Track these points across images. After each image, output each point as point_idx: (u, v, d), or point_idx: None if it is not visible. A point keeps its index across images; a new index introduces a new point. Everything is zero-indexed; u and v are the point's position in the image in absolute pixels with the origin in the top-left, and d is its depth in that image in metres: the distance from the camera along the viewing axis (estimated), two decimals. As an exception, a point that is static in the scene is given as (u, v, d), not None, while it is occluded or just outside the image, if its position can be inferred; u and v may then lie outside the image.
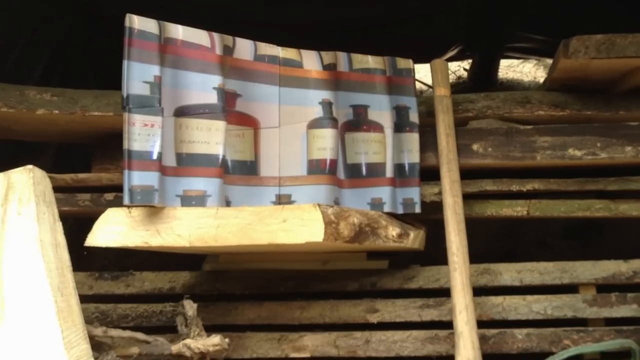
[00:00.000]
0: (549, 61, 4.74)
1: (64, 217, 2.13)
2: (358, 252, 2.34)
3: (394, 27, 4.17)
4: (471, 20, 4.47)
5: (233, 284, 2.33)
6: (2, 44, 2.76)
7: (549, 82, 2.46)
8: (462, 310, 2.03)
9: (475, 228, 2.36)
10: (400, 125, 2.23)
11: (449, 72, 4.02)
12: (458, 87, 5.39)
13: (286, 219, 1.81)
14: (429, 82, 5.34)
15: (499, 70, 5.24)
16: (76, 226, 2.34)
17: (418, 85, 5.46)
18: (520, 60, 5.34)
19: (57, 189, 2.26)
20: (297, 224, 1.80)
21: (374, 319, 2.21)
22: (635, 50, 2.15)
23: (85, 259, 2.78)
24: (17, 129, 2.48)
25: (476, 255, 2.39)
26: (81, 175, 2.36)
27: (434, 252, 2.36)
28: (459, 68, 5.40)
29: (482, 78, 5.12)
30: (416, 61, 5.07)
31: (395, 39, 4.40)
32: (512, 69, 5.35)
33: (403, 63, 2.25)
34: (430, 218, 2.27)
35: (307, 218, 1.79)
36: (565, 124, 2.38)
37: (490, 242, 2.72)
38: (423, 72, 5.44)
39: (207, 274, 2.37)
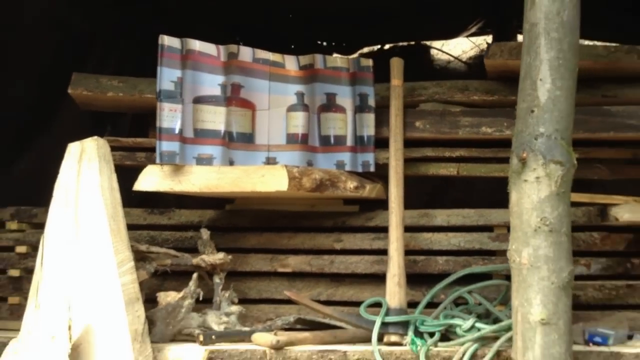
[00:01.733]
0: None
1: (127, 169, 3.03)
2: (336, 199, 3.16)
3: (421, 9, 4.86)
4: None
5: (243, 220, 3.20)
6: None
7: (487, 73, 3.21)
8: (394, 242, 2.85)
9: (421, 184, 3.17)
10: (362, 107, 3.05)
11: (474, 45, 4.71)
12: (480, 59, 6.06)
13: (264, 175, 2.67)
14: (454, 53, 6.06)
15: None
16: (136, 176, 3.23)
17: (445, 57, 6.18)
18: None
19: (122, 149, 3.17)
20: (270, 178, 2.66)
21: (339, 246, 3.07)
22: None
23: (149, 200, 3.67)
24: (95, 105, 3.37)
25: (422, 202, 3.20)
26: (138, 140, 3.24)
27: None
28: (483, 42, 6.07)
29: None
30: (440, 38, 5.76)
31: (422, 19, 5.14)
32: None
33: (364, 62, 3.07)
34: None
35: (277, 174, 2.65)
36: (495, 108, 3.13)
37: (433, 194, 3.50)
38: (452, 45, 6.15)
39: (226, 212, 3.24)
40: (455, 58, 5.92)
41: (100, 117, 3.73)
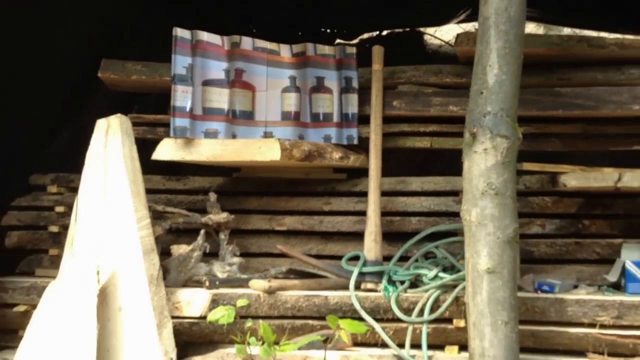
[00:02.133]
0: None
1: (149, 142, 3.43)
2: (327, 168, 3.56)
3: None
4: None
5: (247, 185, 3.61)
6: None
7: (458, 58, 3.58)
8: (372, 204, 3.26)
9: (414, 156, 3.58)
10: (347, 88, 3.43)
11: (463, 31, 5.07)
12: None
13: (260, 147, 3.08)
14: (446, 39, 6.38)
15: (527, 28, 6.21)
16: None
17: (437, 41, 6.52)
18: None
19: (145, 124, 3.58)
20: (266, 150, 3.06)
21: (327, 208, 3.48)
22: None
23: (168, 168, 4.07)
24: (122, 86, 3.78)
25: (400, 172, 3.59)
26: (158, 116, 3.63)
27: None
28: (472, 28, 6.39)
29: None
30: (433, 24, 6.09)
31: (415, 8, 5.49)
32: (528, 26, 6.26)
33: (349, 50, 3.45)
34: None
35: (271, 146, 3.05)
36: (464, 89, 3.50)
37: (411, 166, 3.88)
38: (444, 31, 6.50)
39: (232, 179, 3.65)
40: (446, 43, 6.26)
41: (129, 97, 4.15)
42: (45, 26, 3.82)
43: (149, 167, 3.36)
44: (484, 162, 2.69)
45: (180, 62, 3.09)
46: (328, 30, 5.95)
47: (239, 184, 3.62)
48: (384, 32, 6.19)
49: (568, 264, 3.32)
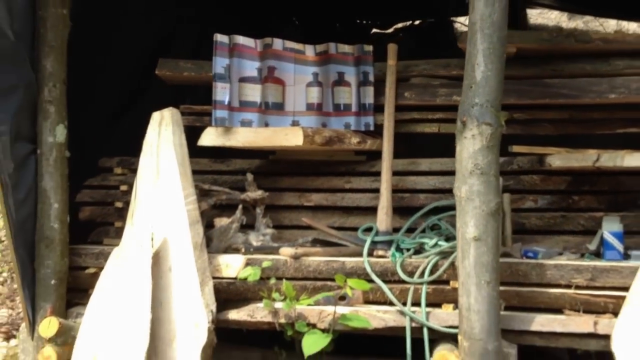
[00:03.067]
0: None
1: (198, 129, 3.90)
2: (349, 152, 3.98)
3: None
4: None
5: (280, 167, 4.06)
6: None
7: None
8: (384, 182, 3.68)
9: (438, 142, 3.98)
10: (364, 82, 3.85)
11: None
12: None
13: (287, 134, 3.53)
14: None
15: (533, 15, 6.53)
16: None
17: (462, 27, 6.83)
18: (549, 9, 6.59)
19: (194, 114, 4.05)
20: (291, 136, 3.52)
21: (348, 186, 3.91)
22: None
23: (215, 153, 4.55)
24: (175, 81, 4.23)
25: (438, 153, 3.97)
26: (205, 107, 4.10)
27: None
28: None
29: (512, 23, 6.45)
30: (462, 14, 6.43)
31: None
32: (542, 15, 6.58)
33: (366, 48, 3.87)
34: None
35: (296, 134, 3.50)
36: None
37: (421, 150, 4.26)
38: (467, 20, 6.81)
39: (269, 161, 4.11)
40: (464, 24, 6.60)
41: (183, 90, 4.64)
42: (112, 27, 4.34)
43: (199, 151, 3.86)
44: (472, 146, 3.10)
45: (220, 63, 3.57)
46: (364, 22, 6.37)
47: (274, 166, 4.07)
48: (417, 22, 6.60)
49: (556, 234, 3.69)
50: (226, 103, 3.57)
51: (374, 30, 6.50)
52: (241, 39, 3.63)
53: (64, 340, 3.36)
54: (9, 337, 4.32)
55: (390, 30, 6.58)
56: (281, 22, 5.24)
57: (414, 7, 6.18)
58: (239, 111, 3.62)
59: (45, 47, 3.46)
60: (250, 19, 5.22)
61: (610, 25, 6.16)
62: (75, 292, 3.71)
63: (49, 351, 3.34)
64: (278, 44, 3.72)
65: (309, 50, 3.77)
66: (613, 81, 3.58)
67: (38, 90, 3.47)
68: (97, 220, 4.11)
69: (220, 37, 3.57)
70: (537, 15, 6.60)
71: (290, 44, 3.74)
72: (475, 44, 3.09)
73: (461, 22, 6.70)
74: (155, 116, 3.49)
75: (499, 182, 3.11)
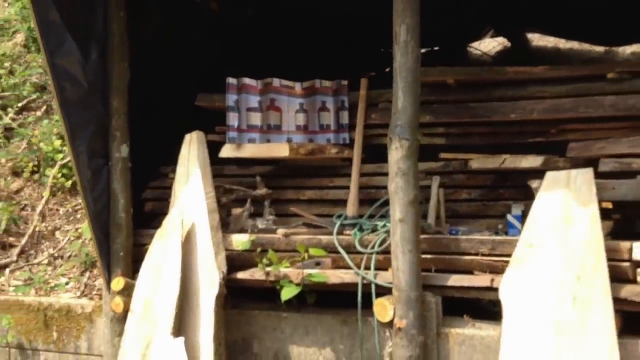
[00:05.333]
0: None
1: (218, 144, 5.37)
2: (335, 159, 5.34)
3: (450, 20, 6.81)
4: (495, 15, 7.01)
5: (285, 171, 5.43)
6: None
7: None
8: (353, 181, 5.03)
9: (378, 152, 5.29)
10: (341, 107, 5.21)
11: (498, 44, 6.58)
12: (505, 53, 7.90)
13: (278, 148, 4.95)
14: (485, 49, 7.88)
15: (535, 38, 7.65)
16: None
17: (478, 52, 8.00)
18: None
19: (216, 132, 5.51)
20: (282, 149, 4.93)
21: (332, 184, 5.27)
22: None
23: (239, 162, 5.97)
24: (211, 109, 5.72)
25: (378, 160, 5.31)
26: (223, 127, 5.54)
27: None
28: (504, 41, 7.86)
29: (517, 46, 7.65)
30: (473, 40, 7.68)
31: (452, 28, 7.10)
32: (542, 38, 7.65)
33: (343, 82, 5.21)
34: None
35: (284, 147, 4.92)
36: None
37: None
38: (487, 43, 8.03)
39: (277, 167, 5.49)
40: (484, 53, 7.81)
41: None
42: (166, 69, 5.84)
43: (231, 160, 5.34)
44: (396, 155, 4.37)
45: (231, 99, 5.03)
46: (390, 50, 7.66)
47: (281, 170, 5.45)
48: (436, 48, 7.87)
49: (481, 218, 4.90)
50: (236, 127, 5.03)
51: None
52: (247, 80, 5.08)
53: (128, 293, 4.90)
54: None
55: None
56: (304, 54, 6.66)
57: (434, 35, 7.43)
58: (246, 132, 5.07)
59: (112, 90, 5.00)
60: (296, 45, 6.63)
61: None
62: (139, 262, 5.07)
63: (118, 300, 4.89)
64: (276, 81, 5.14)
65: (297, 87, 5.18)
66: (515, 104, 4.80)
67: (108, 120, 5.04)
68: (157, 212, 5.62)
69: (231, 80, 5.03)
70: (538, 39, 7.72)
71: (285, 82, 5.16)
72: (397, 83, 4.35)
73: (475, 47, 7.93)
74: (187, 137, 4.99)
75: (417, 180, 4.37)
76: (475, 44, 7.93)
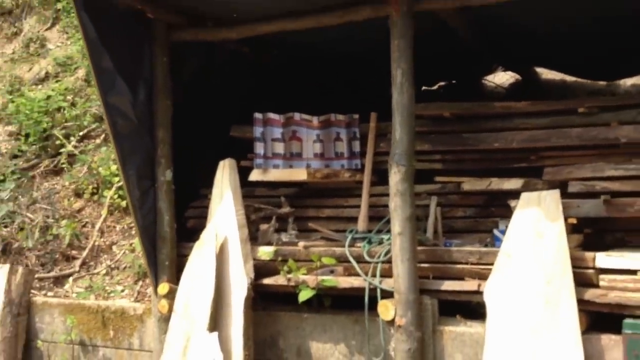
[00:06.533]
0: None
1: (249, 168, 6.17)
2: (350, 181, 6.09)
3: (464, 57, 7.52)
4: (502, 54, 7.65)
5: (306, 192, 6.16)
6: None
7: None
8: (364, 201, 5.78)
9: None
10: (354, 137, 5.97)
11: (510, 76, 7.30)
12: (517, 85, 8.54)
13: (299, 172, 5.73)
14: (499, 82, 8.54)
15: (544, 72, 8.28)
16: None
17: (492, 84, 8.66)
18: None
19: (248, 159, 6.30)
20: (300, 174, 5.71)
21: (346, 203, 6.00)
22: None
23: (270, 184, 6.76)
24: (243, 139, 6.54)
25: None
26: (253, 155, 6.34)
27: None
28: (516, 75, 8.51)
29: (527, 79, 8.30)
30: (483, 75, 8.40)
31: (467, 64, 7.79)
32: (551, 71, 8.23)
33: (354, 116, 5.96)
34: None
35: (302, 172, 5.69)
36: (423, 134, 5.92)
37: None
38: (500, 76, 8.68)
39: (301, 188, 6.24)
40: (498, 85, 8.49)
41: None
42: (207, 105, 6.67)
43: (260, 183, 6.14)
44: (395, 178, 5.12)
45: (257, 131, 5.82)
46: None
47: (303, 191, 6.21)
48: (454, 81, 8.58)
49: (474, 233, 5.60)
50: (262, 155, 5.82)
51: (423, 87, 8.53)
52: (271, 115, 5.87)
53: (172, 296, 5.70)
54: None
55: (435, 87, 8.61)
56: (334, 86, 7.46)
57: (452, 70, 8.14)
58: (271, 159, 5.86)
59: (157, 124, 5.83)
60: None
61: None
62: (181, 270, 5.80)
63: (164, 302, 5.69)
64: (297, 115, 5.94)
65: (315, 120, 5.96)
66: (498, 135, 5.50)
67: (154, 149, 5.88)
68: (198, 227, 6.41)
69: (258, 115, 5.84)
70: (546, 72, 8.33)
71: (304, 116, 5.95)
72: (395, 118, 5.06)
73: (489, 80, 8.62)
74: (221, 163, 5.80)
75: (413, 199, 5.09)
76: (490, 77, 8.61)
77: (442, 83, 8.63)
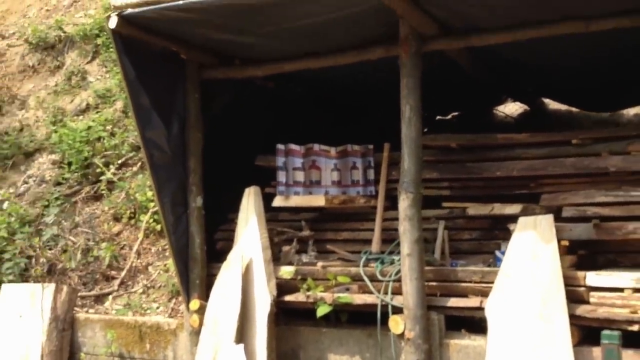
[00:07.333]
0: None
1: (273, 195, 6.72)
2: (366, 206, 6.60)
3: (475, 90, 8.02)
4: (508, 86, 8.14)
5: (326, 216, 6.65)
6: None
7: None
8: (377, 225, 6.28)
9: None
10: (368, 166, 6.47)
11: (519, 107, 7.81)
12: (526, 115, 9.00)
13: (317, 198, 6.25)
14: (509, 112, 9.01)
15: (551, 103, 8.74)
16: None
17: (501, 114, 9.16)
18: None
19: (272, 186, 6.86)
20: (319, 200, 6.23)
21: (362, 227, 6.49)
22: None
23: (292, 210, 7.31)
24: (268, 168, 7.08)
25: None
26: (273, 183, 6.90)
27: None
28: (524, 105, 8.98)
29: (535, 110, 8.77)
30: (494, 105, 8.96)
31: (478, 95, 8.30)
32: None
33: (369, 147, 6.47)
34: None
35: (320, 198, 6.22)
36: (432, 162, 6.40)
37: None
38: (510, 106, 9.14)
39: (320, 212, 6.75)
40: (507, 115, 8.96)
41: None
42: (235, 136, 7.23)
43: (283, 208, 6.67)
44: (404, 204, 5.59)
45: (280, 161, 6.35)
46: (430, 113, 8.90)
47: (322, 215, 6.70)
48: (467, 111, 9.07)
49: (479, 254, 6.07)
50: (284, 182, 6.35)
51: (438, 117, 9.04)
52: (292, 146, 6.40)
53: (202, 312, 6.21)
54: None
55: (449, 117, 9.11)
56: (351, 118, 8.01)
57: (465, 102, 8.63)
58: (292, 186, 6.38)
59: (189, 155, 6.38)
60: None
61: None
62: (211, 288, 6.32)
63: (195, 317, 6.21)
64: (316, 146, 6.48)
65: (333, 150, 6.49)
66: (500, 164, 5.93)
67: (186, 178, 6.44)
68: (226, 249, 6.92)
69: (280, 146, 6.38)
70: (553, 102, 8.77)
71: (323, 147, 6.47)
72: (403, 149, 5.51)
73: (499, 110, 9.10)
74: (246, 191, 6.34)
75: (420, 223, 5.55)
76: (501, 107, 9.10)
77: (455, 113, 9.11)
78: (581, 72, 6.80)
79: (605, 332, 4.68)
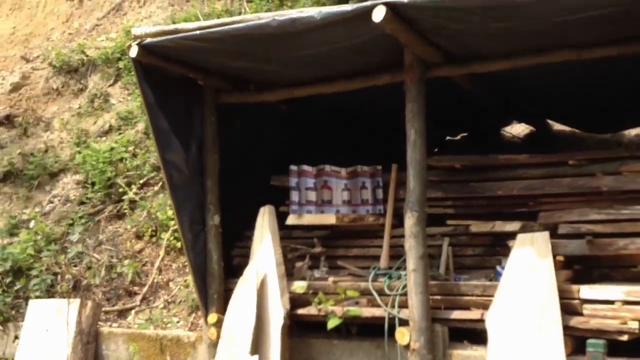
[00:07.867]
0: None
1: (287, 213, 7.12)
2: (375, 224, 6.98)
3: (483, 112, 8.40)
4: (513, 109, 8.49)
5: (337, 233, 7.04)
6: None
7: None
8: (385, 242, 6.65)
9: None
10: (377, 186, 6.85)
11: (525, 127, 8.20)
12: (531, 135, 9.34)
13: (329, 217, 6.64)
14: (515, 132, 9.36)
15: (555, 124, 9.09)
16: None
17: (508, 134, 9.50)
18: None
19: (286, 205, 7.26)
20: (330, 218, 6.63)
21: (372, 244, 6.85)
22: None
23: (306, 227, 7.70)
24: (282, 187, 7.49)
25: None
26: (287, 202, 7.31)
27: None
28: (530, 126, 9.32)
29: (540, 130, 9.12)
30: (501, 126, 9.38)
31: (483, 118, 8.67)
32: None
33: (378, 167, 6.85)
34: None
35: (331, 217, 6.60)
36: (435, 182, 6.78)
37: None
38: (517, 127, 9.49)
39: (331, 230, 7.15)
40: (514, 136, 9.31)
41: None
42: (249, 156, 7.63)
43: (296, 226, 7.06)
44: (409, 222, 5.94)
45: (293, 181, 6.74)
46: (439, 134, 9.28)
47: (334, 232, 7.08)
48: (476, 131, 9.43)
49: (482, 269, 6.41)
50: (297, 202, 6.73)
51: (447, 137, 9.42)
52: (305, 167, 6.79)
53: (220, 325, 6.58)
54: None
55: (458, 137, 9.48)
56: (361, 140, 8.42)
57: (473, 123, 8.99)
58: (305, 205, 6.77)
59: (206, 175, 6.78)
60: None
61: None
62: (228, 302, 6.72)
63: (213, 330, 6.58)
64: (327, 167, 6.86)
65: (343, 171, 6.87)
66: (501, 184, 6.30)
67: (204, 197, 6.85)
68: (242, 265, 7.29)
69: (293, 167, 6.77)
70: (558, 124, 9.14)
71: (334, 168, 6.86)
72: (409, 171, 5.87)
73: (506, 131, 9.46)
74: (261, 209, 6.73)
75: (425, 240, 5.91)
76: (508, 128, 9.48)
77: (464, 134, 9.49)
78: (581, 95, 7.15)
79: (591, 340, 5.01)
